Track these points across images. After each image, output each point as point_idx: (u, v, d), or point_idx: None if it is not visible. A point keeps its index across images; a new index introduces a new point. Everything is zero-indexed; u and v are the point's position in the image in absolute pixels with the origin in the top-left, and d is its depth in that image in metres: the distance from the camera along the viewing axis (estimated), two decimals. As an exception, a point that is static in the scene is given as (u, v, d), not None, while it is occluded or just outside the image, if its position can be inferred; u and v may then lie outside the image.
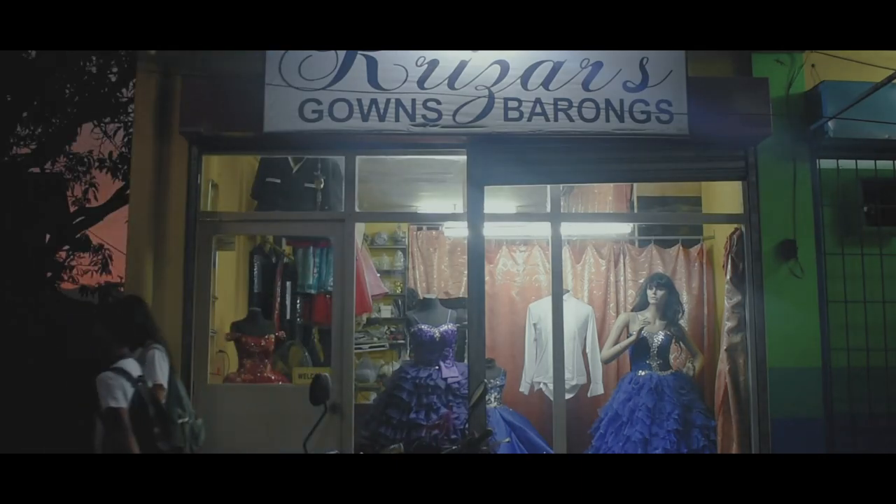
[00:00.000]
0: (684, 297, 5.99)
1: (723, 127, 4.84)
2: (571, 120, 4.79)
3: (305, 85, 4.75)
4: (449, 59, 4.77)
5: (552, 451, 5.09)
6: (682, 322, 5.70)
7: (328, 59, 4.76)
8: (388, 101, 4.76)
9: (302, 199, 5.92)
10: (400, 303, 7.51)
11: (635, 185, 6.22)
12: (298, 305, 6.36)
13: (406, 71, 4.77)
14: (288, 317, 6.27)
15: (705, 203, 6.20)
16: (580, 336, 5.96)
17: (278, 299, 6.19)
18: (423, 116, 4.76)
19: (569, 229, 5.86)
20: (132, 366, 3.52)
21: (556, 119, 4.80)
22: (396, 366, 6.49)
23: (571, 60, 4.80)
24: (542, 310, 5.85)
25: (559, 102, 4.80)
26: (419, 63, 4.77)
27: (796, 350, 4.84)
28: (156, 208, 4.89)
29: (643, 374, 5.42)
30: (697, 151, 4.97)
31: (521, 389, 6.05)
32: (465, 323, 5.13)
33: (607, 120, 4.79)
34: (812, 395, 4.82)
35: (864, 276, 4.99)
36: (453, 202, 6.68)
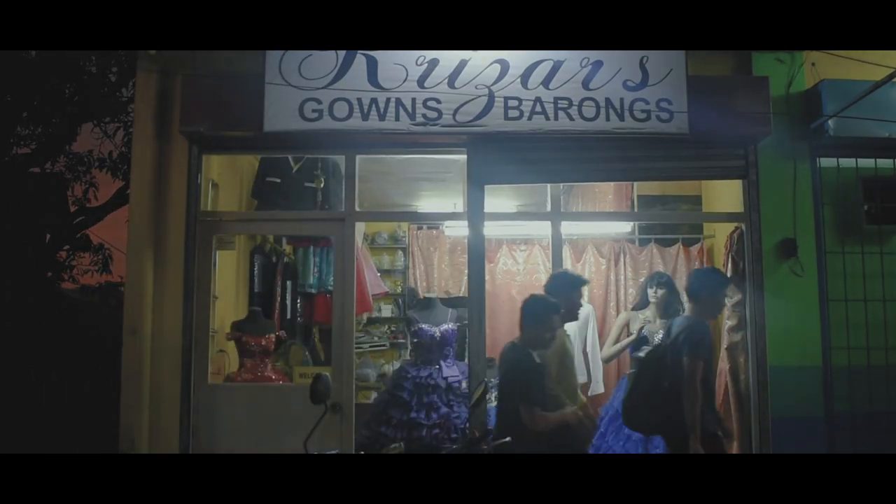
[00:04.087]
0: (685, 296, 5.98)
1: (723, 125, 4.84)
2: (571, 119, 4.79)
3: (305, 84, 4.75)
4: (449, 58, 4.77)
5: (553, 451, 5.09)
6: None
7: (328, 59, 4.76)
8: (388, 100, 4.76)
9: (302, 199, 5.92)
10: (400, 302, 7.51)
11: (635, 183, 6.22)
12: (299, 305, 6.36)
13: (406, 70, 4.77)
14: (288, 316, 6.28)
15: (705, 202, 6.20)
16: (580, 335, 5.95)
17: (279, 299, 6.20)
18: (424, 115, 4.76)
19: (569, 228, 5.86)
20: None
21: (556, 118, 4.79)
22: (397, 365, 6.50)
23: (571, 59, 4.79)
24: (542, 309, 5.84)
25: (559, 101, 4.80)
26: (419, 62, 4.77)
27: (797, 348, 4.83)
28: (156, 208, 4.89)
29: (644, 372, 5.41)
30: (697, 150, 4.96)
31: (521, 388, 6.05)
32: (466, 322, 5.13)
33: (607, 119, 4.79)
34: (812, 393, 4.81)
35: (865, 274, 4.99)
36: (453, 201, 6.68)
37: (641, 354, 4.28)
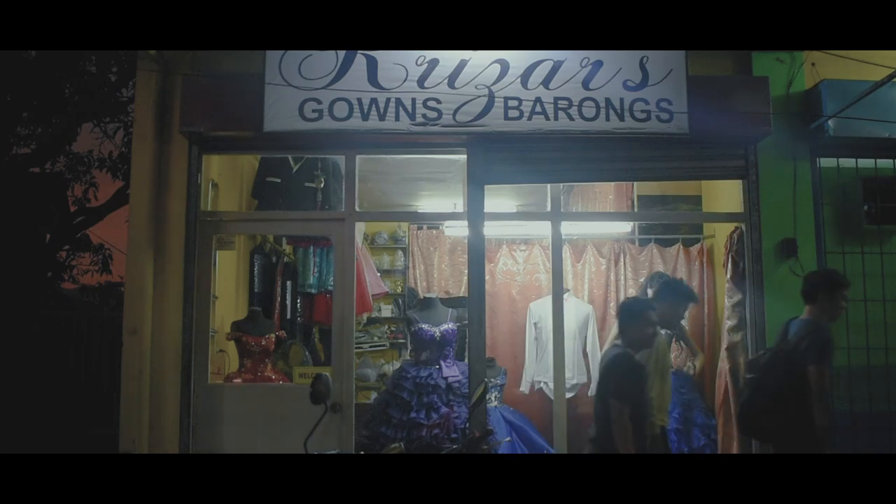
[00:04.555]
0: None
1: (723, 125, 4.84)
2: (571, 119, 4.79)
3: (305, 84, 4.75)
4: (449, 58, 4.77)
5: (553, 451, 5.10)
6: (683, 321, 5.69)
7: (328, 59, 4.76)
8: (388, 100, 4.76)
9: (302, 199, 5.92)
10: (400, 302, 7.51)
11: (635, 183, 6.22)
12: (299, 305, 6.37)
13: (406, 70, 4.77)
14: (288, 316, 6.29)
15: (705, 202, 6.20)
16: (580, 335, 5.96)
17: (279, 299, 6.20)
18: (424, 116, 4.76)
19: (569, 228, 5.86)
20: None
21: (556, 118, 4.79)
22: (397, 365, 6.50)
23: (571, 59, 4.79)
24: (542, 309, 5.86)
25: (559, 101, 4.80)
26: (419, 62, 4.77)
27: (797, 349, 4.83)
28: (156, 208, 4.89)
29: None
30: (697, 150, 4.96)
31: (521, 389, 6.06)
32: (466, 322, 5.13)
33: (607, 119, 4.79)
34: (812, 393, 4.81)
35: (865, 274, 4.99)
36: (453, 201, 6.68)
37: (761, 361, 4.16)
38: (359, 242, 5.48)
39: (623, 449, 3.64)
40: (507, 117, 4.77)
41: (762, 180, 4.97)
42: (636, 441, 3.68)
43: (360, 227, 5.94)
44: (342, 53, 4.76)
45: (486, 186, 4.97)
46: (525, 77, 4.79)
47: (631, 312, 3.96)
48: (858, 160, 5.07)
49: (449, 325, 5.55)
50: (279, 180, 5.97)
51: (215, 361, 5.35)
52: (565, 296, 5.27)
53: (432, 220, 6.88)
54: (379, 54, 4.75)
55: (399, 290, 7.55)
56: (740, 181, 5.07)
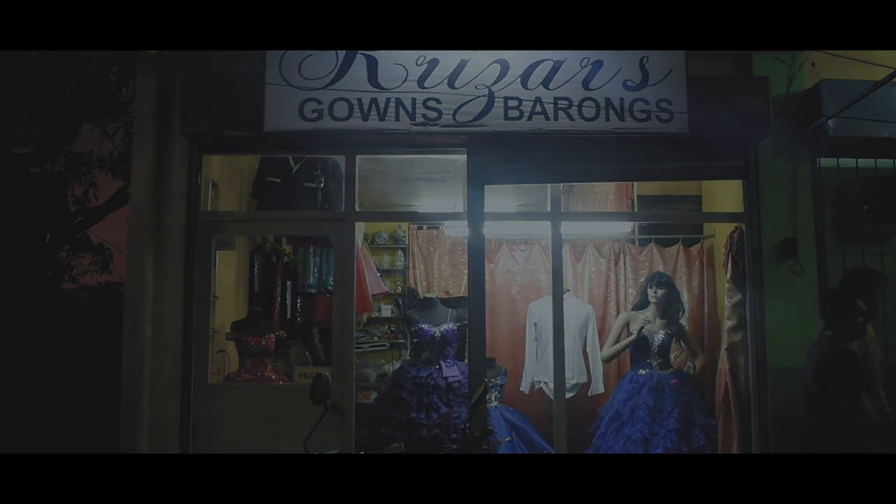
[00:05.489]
0: (685, 296, 5.99)
1: (723, 126, 4.84)
2: (571, 119, 4.79)
3: (305, 84, 4.75)
4: (449, 58, 4.77)
5: (553, 451, 5.09)
6: (683, 321, 5.70)
7: (328, 59, 4.76)
8: (388, 100, 4.76)
9: (302, 199, 5.92)
10: (400, 302, 7.52)
11: (636, 183, 6.22)
12: (299, 305, 6.37)
13: (406, 70, 4.77)
14: (288, 316, 6.28)
15: (706, 202, 6.20)
16: (580, 335, 5.96)
17: (279, 299, 6.20)
18: (424, 116, 4.76)
19: (569, 228, 5.86)
20: None
21: (556, 118, 4.80)
22: (397, 365, 6.50)
23: (571, 59, 4.80)
24: (542, 309, 5.86)
25: (559, 101, 4.80)
26: (419, 62, 4.77)
27: (797, 349, 4.79)
28: (156, 208, 4.89)
29: (644, 372, 5.42)
30: (697, 150, 4.96)
31: (521, 389, 6.06)
32: (466, 322, 5.13)
33: (607, 119, 4.79)
34: (813, 393, 4.81)
35: (865, 274, 4.99)
36: (453, 201, 6.68)
37: None
38: (359, 242, 5.48)
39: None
40: (507, 117, 4.77)
41: (762, 180, 4.97)
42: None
43: (360, 227, 5.94)
44: (342, 53, 4.76)
45: (486, 186, 4.97)
46: (525, 77, 4.79)
47: (840, 303, 3.93)
48: (858, 160, 5.07)
49: (449, 325, 5.55)
50: (279, 180, 5.97)
51: (215, 361, 5.35)
52: (565, 296, 5.27)
53: (432, 220, 6.88)
54: (379, 54, 4.76)
55: (399, 290, 7.55)
56: (740, 181, 5.07)
